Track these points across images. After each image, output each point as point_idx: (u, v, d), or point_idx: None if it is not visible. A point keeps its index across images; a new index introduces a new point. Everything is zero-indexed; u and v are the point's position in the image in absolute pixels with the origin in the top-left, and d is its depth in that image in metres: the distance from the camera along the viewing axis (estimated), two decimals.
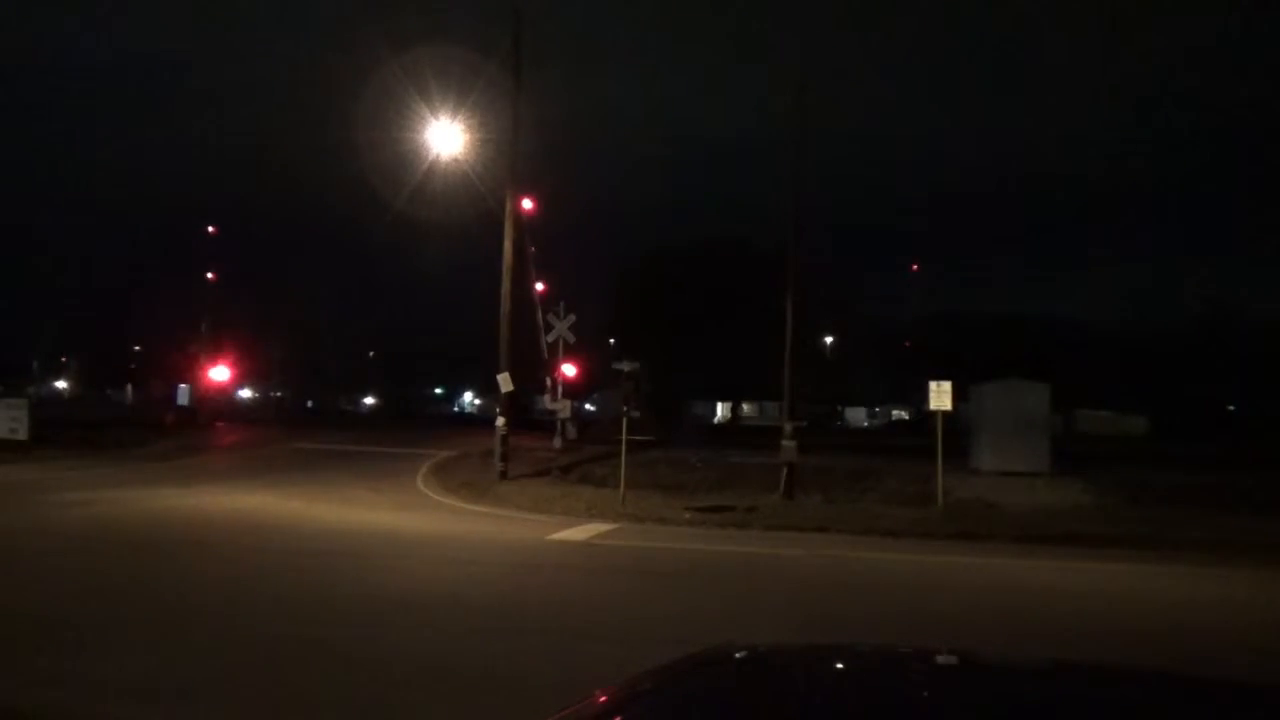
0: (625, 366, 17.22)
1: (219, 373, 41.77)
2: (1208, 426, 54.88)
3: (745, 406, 71.84)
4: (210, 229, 47.40)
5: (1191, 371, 60.47)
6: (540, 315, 21.60)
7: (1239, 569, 11.01)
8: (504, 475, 18.95)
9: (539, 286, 27.42)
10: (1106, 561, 11.45)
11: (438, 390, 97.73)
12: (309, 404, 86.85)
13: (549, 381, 25.90)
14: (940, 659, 2.38)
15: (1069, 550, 12.17)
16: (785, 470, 17.15)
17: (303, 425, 43.33)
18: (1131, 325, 67.47)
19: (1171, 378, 61.02)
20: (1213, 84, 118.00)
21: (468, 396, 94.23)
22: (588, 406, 59.23)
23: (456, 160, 21.01)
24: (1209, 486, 19.06)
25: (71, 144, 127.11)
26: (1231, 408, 65.35)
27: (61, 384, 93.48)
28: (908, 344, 72.19)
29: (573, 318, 25.96)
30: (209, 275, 46.05)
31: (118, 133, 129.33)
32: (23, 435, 22.43)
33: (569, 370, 26.44)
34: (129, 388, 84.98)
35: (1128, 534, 13.25)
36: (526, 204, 26.21)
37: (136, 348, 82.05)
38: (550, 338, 26.32)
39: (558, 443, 26.16)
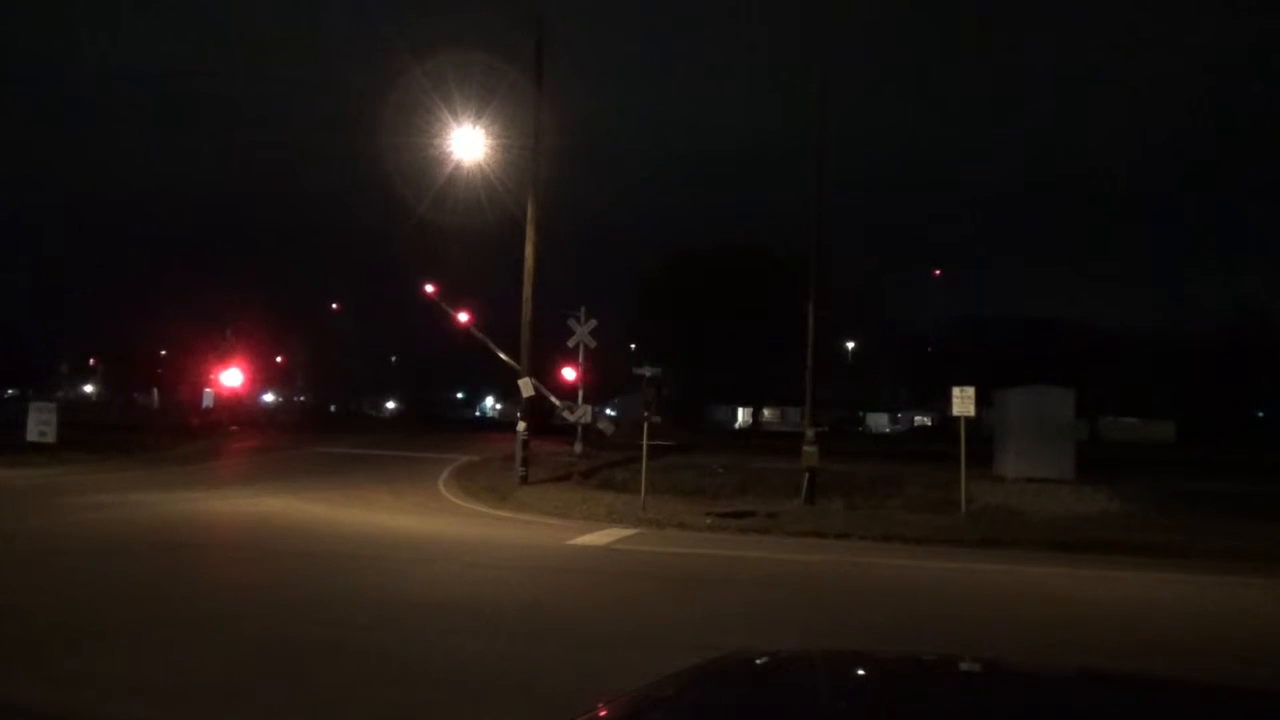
0: (647, 371, 17.22)
1: (231, 377, 41.91)
2: (1235, 433, 54.23)
3: (767, 412, 71.59)
4: (334, 306, 51.50)
5: (1219, 377, 59.70)
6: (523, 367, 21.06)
7: (1268, 578, 10.86)
8: (525, 480, 18.99)
9: (464, 316, 27.30)
10: (1131, 569, 11.32)
11: (459, 394, 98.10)
12: (331, 408, 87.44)
13: (552, 396, 25.82)
14: (963, 666, 2.37)
15: (1093, 558, 12.04)
16: (807, 476, 17.06)
17: (325, 429, 43.65)
18: (1159, 330, 66.71)
19: (1199, 384, 60.30)
20: (1243, 84, 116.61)
21: (489, 401, 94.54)
22: (608, 411, 59.29)
23: (480, 165, 21.12)
24: (1237, 494, 18.82)
25: (100, 149, 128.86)
26: (1260, 414, 64.49)
27: (89, 388, 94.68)
28: (930, 349, 71.76)
29: (594, 323, 26.03)
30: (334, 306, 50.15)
31: (145, 138, 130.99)
32: (51, 439, 22.68)
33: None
34: (155, 391, 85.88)
35: (1153, 542, 13.11)
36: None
37: (163, 352, 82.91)
38: (571, 342, 26.41)
39: (578, 448, 26.22)
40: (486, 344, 25.54)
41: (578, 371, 27.71)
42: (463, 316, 27.05)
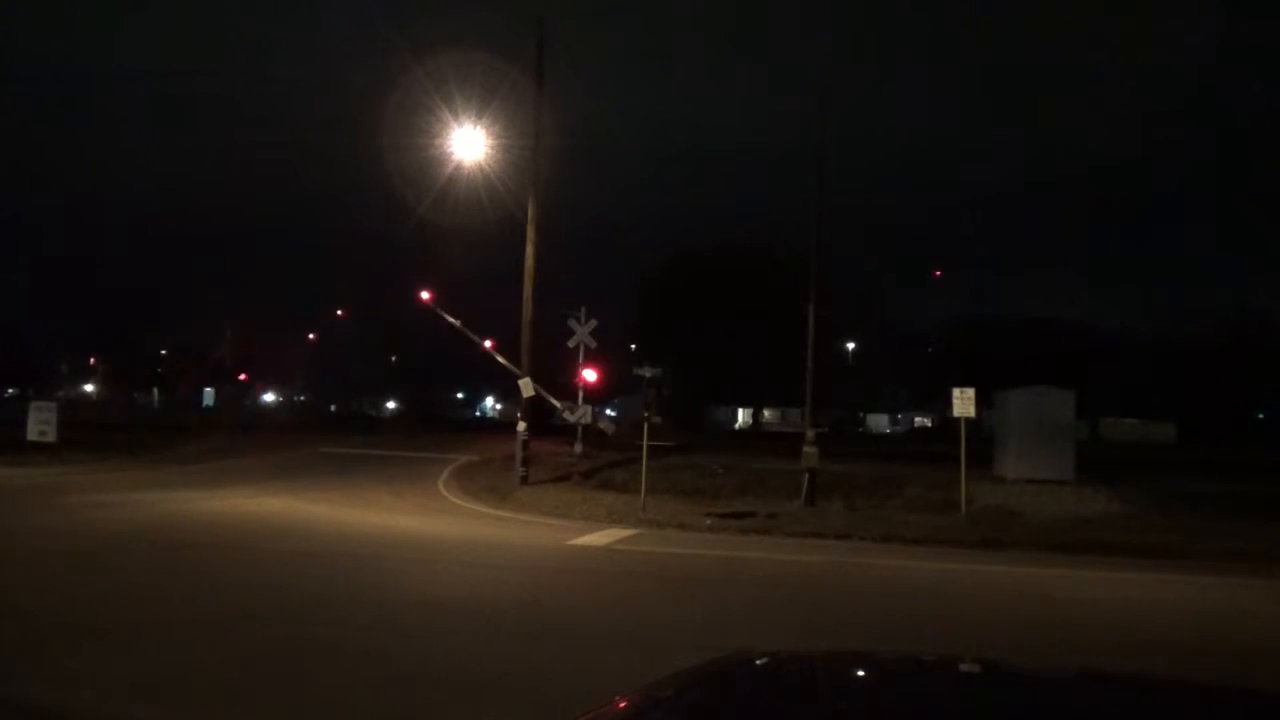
0: (647, 372, 17.23)
1: (238, 378, 41.93)
2: (1236, 434, 54.21)
3: (767, 412, 71.65)
4: (339, 312, 51.74)
5: (1220, 378, 59.68)
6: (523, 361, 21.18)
7: (1268, 579, 10.86)
8: (525, 480, 18.99)
9: (458, 321, 27.34)
10: (1131, 570, 11.33)
11: (459, 394, 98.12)
12: (331, 408, 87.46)
13: (551, 397, 25.79)
14: (963, 666, 2.37)
15: (1093, 559, 12.05)
16: (807, 476, 17.06)
17: (325, 429, 43.61)
18: (1160, 331, 66.69)
19: (1200, 385, 60.27)
20: (1243, 84, 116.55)
21: (489, 401, 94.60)
22: (608, 412, 59.33)
23: (480, 166, 21.12)
24: (1237, 495, 18.81)
25: (100, 149, 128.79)
26: (1260, 415, 64.49)
27: (89, 387, 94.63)
28: (930, 349, 71.77)
29: (594, 323, 26.02)
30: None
31: (145, 138, 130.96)
32: (51, 438, 22.67)
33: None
34: (155, 391, 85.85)
35: (1153, 543, 13.11)
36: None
37: (163, 351, 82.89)
38: (572, 343, 26.40)
39: (578, 448, 26.20)
40: (483, 347, 25.56)
41: (579, 375, 27.67)
42: (457, 321, 27.08)
